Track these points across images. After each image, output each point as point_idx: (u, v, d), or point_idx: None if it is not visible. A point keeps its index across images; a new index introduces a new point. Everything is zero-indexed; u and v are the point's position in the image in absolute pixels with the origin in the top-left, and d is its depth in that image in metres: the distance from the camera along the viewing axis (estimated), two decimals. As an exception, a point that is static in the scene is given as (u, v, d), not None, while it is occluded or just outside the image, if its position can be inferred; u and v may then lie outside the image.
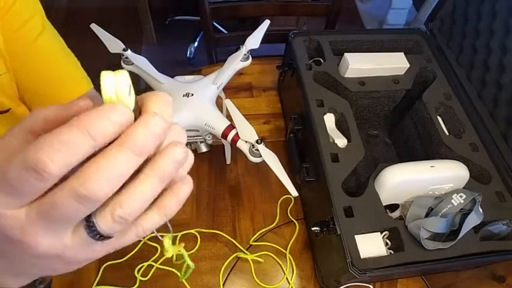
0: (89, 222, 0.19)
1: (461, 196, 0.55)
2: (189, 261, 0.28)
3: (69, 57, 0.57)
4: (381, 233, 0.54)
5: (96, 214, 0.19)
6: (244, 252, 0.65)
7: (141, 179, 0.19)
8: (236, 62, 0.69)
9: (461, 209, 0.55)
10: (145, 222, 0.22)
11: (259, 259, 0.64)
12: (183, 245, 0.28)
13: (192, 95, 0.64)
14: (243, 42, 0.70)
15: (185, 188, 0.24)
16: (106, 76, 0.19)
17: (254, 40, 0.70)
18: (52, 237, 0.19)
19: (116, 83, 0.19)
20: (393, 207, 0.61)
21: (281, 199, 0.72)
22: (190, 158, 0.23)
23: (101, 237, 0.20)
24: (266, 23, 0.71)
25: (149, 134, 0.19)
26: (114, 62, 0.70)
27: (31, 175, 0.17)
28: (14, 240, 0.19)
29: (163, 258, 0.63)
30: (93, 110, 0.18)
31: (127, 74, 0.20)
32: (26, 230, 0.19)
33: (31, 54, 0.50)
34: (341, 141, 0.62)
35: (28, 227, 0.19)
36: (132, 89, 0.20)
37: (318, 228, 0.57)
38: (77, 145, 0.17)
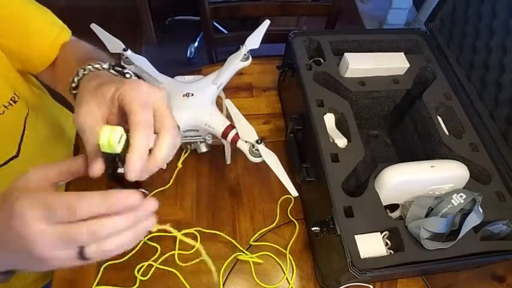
0: (81, 249, 0.29)
1: (461, 196, 0.55)
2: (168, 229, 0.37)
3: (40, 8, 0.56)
4: (381, 233, 0.54)
5: (87, 246, 0.29)
6: (244, 253, 0.65)
7: (123, 234, 0.30)
8: (236, 62, 0.69)
9: (461, 209, 0.55)
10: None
11: (259, 259, 0.64)
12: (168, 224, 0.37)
13: (192, 95, 0.64)
14: (243, 42, 0.70)
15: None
16: (104, 128, 0.31)
17: (254, 40, 0.70)
18: (57, 250, 0.29)
19: (109, 134, 0.30)
20: (393, 207, 0.61)
21: (281, 199, 0.72)
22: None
23: (82, 258, 0.30)
24: (266, 23, 0.71)
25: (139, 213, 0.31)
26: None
27: (67, 211, 0.28)
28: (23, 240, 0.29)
29: (163, 258, 0.63)
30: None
31: (121, 129, 0.31)
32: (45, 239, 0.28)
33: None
34: (341, 141, 0.62)
35: (43, 239, 0.28)
36: (123, 138, 0.31)
37: (318, 228, 0.57)
38: (96, 206, 0.29)
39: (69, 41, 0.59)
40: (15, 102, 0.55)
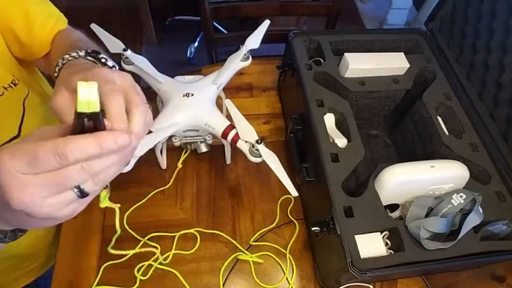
0: (78, 187, 0.29)
1: (461, 196, 0.55)
2: (108, 204, 0.37)
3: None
4: (381, 233, 0.54)
5: (83, 183, 0.30)
6: (244, 253, 0.65)
7: (110, 166, 0.30)
8: (236, 62, 0.69)
9: (461, 209, 0.55)
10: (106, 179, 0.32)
11: (259, 259, 0.64)
12: (118, 205, 0.40)
13: (192, 95, 0.64)
14: (243, 42, 0.70)
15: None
16: (80, 85, 0.27)
17: (254, 40, 0.70)
18: (47, 198, 0.28)
19: (88, 91, 0.28)
20: (393, 207, 0.61)
21: (281, 199, 0.72)
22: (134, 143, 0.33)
23: (83, 194, 0.30)
24: (266, 23, 0.71)
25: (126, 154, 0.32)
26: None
27: (56, 158, 0.26)
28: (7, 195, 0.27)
29: (163, 257, 0.63)
30: (110, 134, 0.28)
31: (96, 84, 0.28)
32: (27, 189, 0.27)
33: None
34: (341, 141, 0.62)
35: (30, 187, 0.27)
36: (97, 97, 0.28)
37: (318, 228, 0.57)
38: (89, 150, 0.27)
39: (64, 29, 0.59)
40: (15, 85, 0.55)
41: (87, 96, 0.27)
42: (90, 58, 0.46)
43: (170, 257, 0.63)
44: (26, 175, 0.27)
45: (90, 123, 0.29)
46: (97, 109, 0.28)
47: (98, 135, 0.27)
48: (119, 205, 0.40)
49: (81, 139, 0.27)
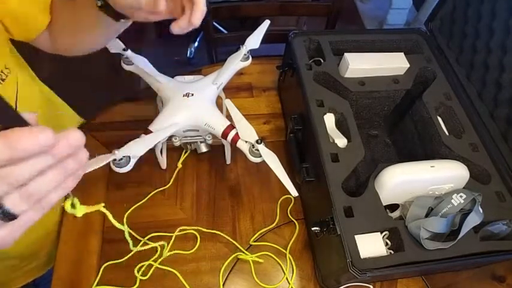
0: None
1: (461, 196, 0.55)
2: (86, 210, 0.33)
3: None
4: (381, 233, 0.54)
5: (4, 197, 0.23)
6: (244, 253, 0.65)
7: (46, 173, 0.24)
8: (236, 62, 0.69)
9: (461, 209, 0.55)
10: (48, 199, 0.25)
11: (259, 259, 0.64)
12: (102, 204, 0.35)
13: (192, 95, 0.64)
14: (243, 42, 0.70)
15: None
16: None
17: (254, 40, 0.70)
18: None
19: None
20: (393, 207, 0.61)
21: (281, 199, 0.72)
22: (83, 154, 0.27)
23: (6, 215, 0.23)
24: (266, 23, 0.71)
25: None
26: (114, 62, 0.70)
27: None
28: None
29: (163, 257, 0.63)
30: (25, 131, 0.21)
31: None
32: None
33: None
34: (341, 141, 0.62)
35: None
36: None
37: (318, 228, 0.57)
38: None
39: None
40: (6, 76, 0.53)
41: None
42: None
43: (170, 252, 0.64)
44: None
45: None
46: None
47: (7, 132, 0.21)
48: (102, 204, 0.35)
49: None
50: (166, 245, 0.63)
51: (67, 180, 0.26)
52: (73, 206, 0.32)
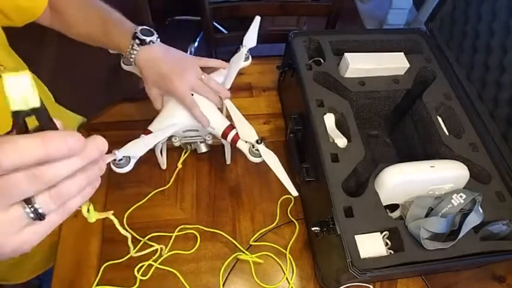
0: (28, 201, 0.23)
1: (461, 196, 0.55)
2: (98, 216, 0.35)
3: None
4: (381, 233, 0.54)
5: (35, 196, 0.23)
6: (244, 253, 0.65)
7: (75, 176, 0.25)
8: (240, 63, 0.68)
9: (461, 209, 0.55)
10: (71, 204, 0.26)
11: (259, 259, 0.64)
12: (111, 212, 0.38)
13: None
14: (242, 43, 0.70)
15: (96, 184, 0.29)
16: (7, 77, 0.21)
17: (251, 38, 0.69)
18: None
19: (18, 85, 0.22)
20: (393, 207, 0.61)
21: (281, 199, 0.72)
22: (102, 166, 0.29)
23: (36, 214, 0.24)
24: (257, 19, 0.69)
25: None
26: (114, 62, 0.70)
27: None
28: None
29: (163, 258, 0.63)
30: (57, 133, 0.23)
31: (29, 73, 0.22)
32: None
33: None
34: (341, 141, 0.62)
35: None
36: (35, 88, 0.22)
37: (318, 228, 0.57)
38: (32, 151, 0.22)
39: None
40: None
41: (21, 91, 0.22)
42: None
43: (170, 253, 0.64)
44: None
45: (36, 126, 0.23)
46: (37, 104, 0.22)
47: (42, 133, 0.22)
48: (111, 212, 0.37)
49: (20, 138, 0.22)
50: (165, 248, 0.63)
51: (87, 187, 0.27)
52: (88, 211, 0.34)
